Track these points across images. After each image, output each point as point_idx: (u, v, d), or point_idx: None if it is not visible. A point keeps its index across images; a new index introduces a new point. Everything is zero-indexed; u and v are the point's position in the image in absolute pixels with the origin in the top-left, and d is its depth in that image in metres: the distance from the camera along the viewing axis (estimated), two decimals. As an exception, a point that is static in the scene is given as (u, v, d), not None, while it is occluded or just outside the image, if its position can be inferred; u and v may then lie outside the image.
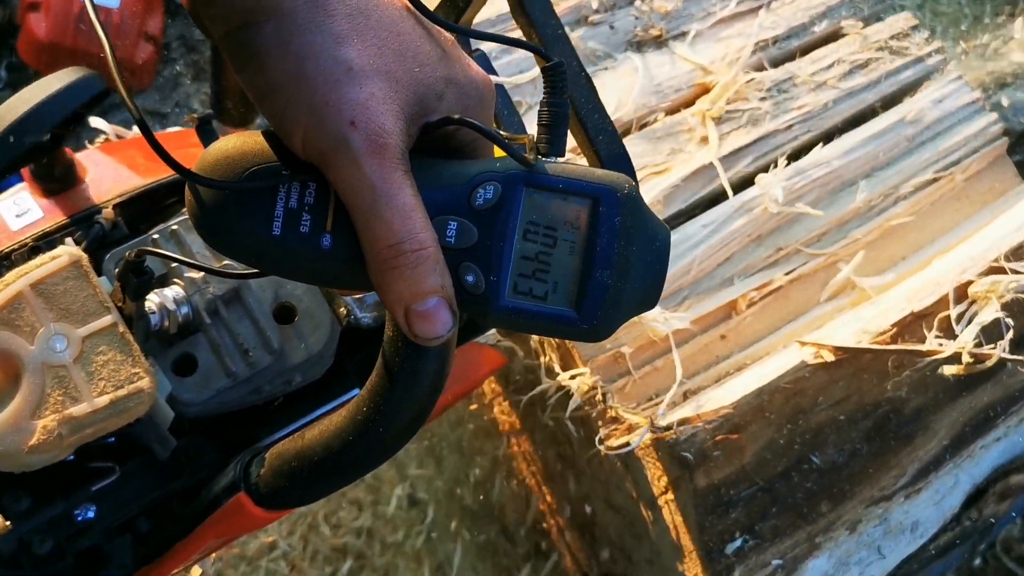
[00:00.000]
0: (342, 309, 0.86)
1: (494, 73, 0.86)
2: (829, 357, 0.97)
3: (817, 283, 1.09)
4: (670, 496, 0.96)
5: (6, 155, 0.77)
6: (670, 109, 1.16)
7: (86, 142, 1.04)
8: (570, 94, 0.61)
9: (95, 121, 1.05)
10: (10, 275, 0.73)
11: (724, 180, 1.09)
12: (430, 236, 0.55)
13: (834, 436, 0.98)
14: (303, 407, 0.88)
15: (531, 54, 0.86)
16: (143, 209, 0.87)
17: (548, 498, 1.27)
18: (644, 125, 1.14)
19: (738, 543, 0.95)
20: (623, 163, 0.76)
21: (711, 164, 1.11)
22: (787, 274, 1.08)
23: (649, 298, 0.59)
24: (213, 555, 1.46)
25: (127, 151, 0.93)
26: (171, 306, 0.81)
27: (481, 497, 1.51)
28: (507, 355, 1.19)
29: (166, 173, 0.90)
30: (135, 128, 1.15)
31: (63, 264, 0.73)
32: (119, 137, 1.10)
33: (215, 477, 0.82)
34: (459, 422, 1.50)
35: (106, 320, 0.73)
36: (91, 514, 0.82)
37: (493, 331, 1.16)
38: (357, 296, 0.86)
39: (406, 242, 0.54)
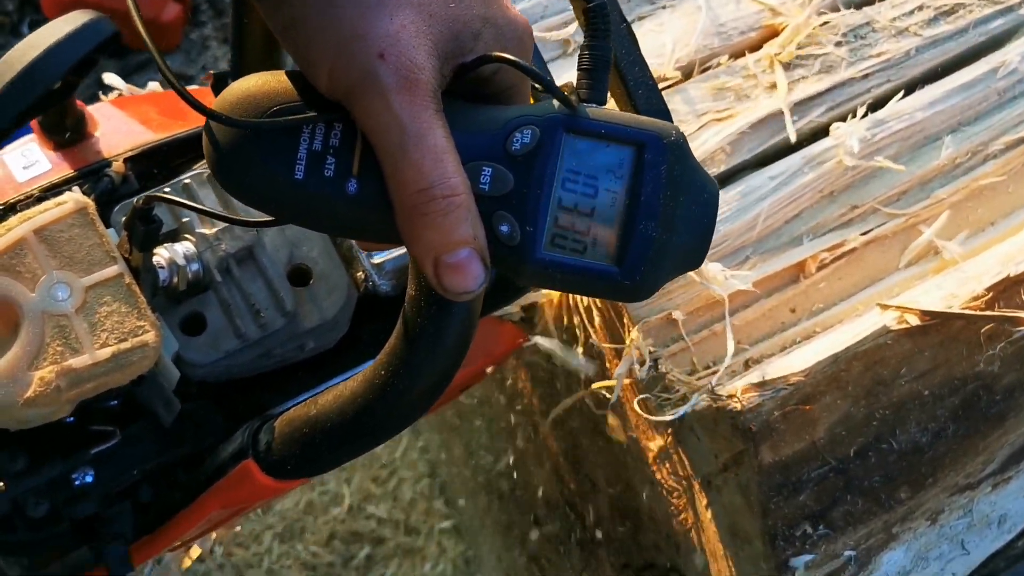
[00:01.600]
0: (360, 274, 0.82)
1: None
2: (915, 322, 0.86)
3: (896, 246, 0.98)
4: (730, 474, 0.85)
5: (20, 102, 0.72)
6: (735, 52, 1.05)
7: (100, 95, 0.98)
8: (612, 38, 0.57)
9: (109, 78, 1.00)
10: (13, 219, 0.70)
11: (789, 127, 0.98)
12: (462, 182, 0.51)
13: (917, 413, 0.87)
14: (316, 376, 0.83)
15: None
16: (155, 165, 0.83)
17: (586, 480, 1.17)
18: (706, 69, 1.03)
19: (807, 530, 0.84)
20: (664, 119, 0.69)
21: (779, 112, 1.00)
22: (863, 235, 0.97)
23: (695, 255, 0.55)
24: (215, 534, 1.36)
25: (140, 106, 0.90)
26: (181, 262, 0.77)
27: (511, 481, 1.40)
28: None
29: (180, 129, 0.86)
30: (150, 85, 1.11)
31: (69, 210, 0.70)
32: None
33: (222, 444, 0.78)
34: (487, 399, 1.40)
35: (112, 270, 0.70)
36: (90, 478, 0.78)
37: (518, 308, 1.08)
38: (376, 262, 0.82)
39: (437, 187, 0.50)
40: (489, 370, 1.08)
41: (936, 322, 0.86)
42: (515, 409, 1.30)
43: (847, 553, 0.85)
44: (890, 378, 0.86)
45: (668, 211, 0.52)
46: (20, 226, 0.69)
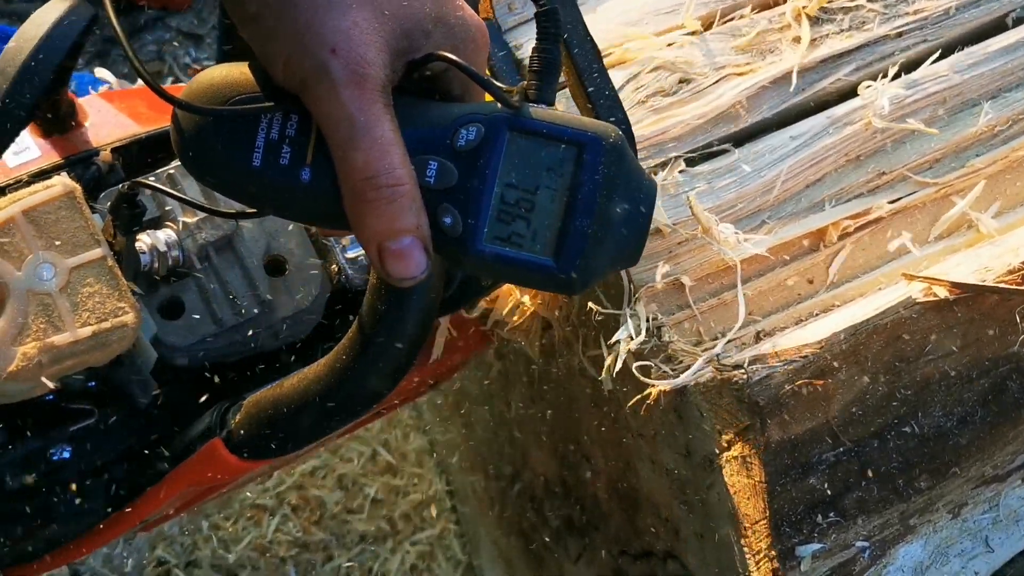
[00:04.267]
0: (334, 267, 0.86)
1: (503, 45, 0.88)
2: (943, 295, 0.78)
3: (926, 217, 0.90)
4: (734, 452, 0.78)
5: (28, 98, 0.75)
6: (759, 4, 0.98)
7: (90, 88, 1.01)
8: (564, 41, 0.62)
9: (100, 72, 1.05)
10: (2, 200, 0.73)
11: (795, 82, 0.90)
12: (407, 173, 0.54)
13: (942, 395, 0.80)
14: (288, 364, 0.86)
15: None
16: (141, 155, 0.86)
17: (584, 461, 1.10)
18: (728, 20, 0.96)
19: (816, 517, 0.77)
20: (623, 128, 0.75)
21: (804, 68, 0.92)
22: (890, 203, 0.89)
23: (630, 252, 0.58)
24: (186, 513, 1.31)
25: (130, 100, 0.93)
26: (162, 248, 0.81)
27: (509, 463, 1.34)
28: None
29: (166, 123, 0.85)
30: (140, 81, 1.14)
31: (57, 193, 0.73)
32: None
33: (192, 424, 0.82)
34: (486, 375, 1.33)
35: (95, 253, 0.72)
36: (67, 454, 0.82)
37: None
38: (350, 256, 0.85)
39: (382, 176, 0.53)
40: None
41: (967, 296, 0.79)
42: (519, 381, 1.23)
43: (859, 544, 0.78)
44: (913, 355, 0.79)
45: (604, 209, 0.55)
46: (9, 207, 0.72)
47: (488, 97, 0.59)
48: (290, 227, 0.85)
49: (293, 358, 0.86)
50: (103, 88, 1.01)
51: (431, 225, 0.55)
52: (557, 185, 0.55)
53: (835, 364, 0.77)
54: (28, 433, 0.80)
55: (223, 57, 0.84)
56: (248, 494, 1.64)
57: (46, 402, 0.79)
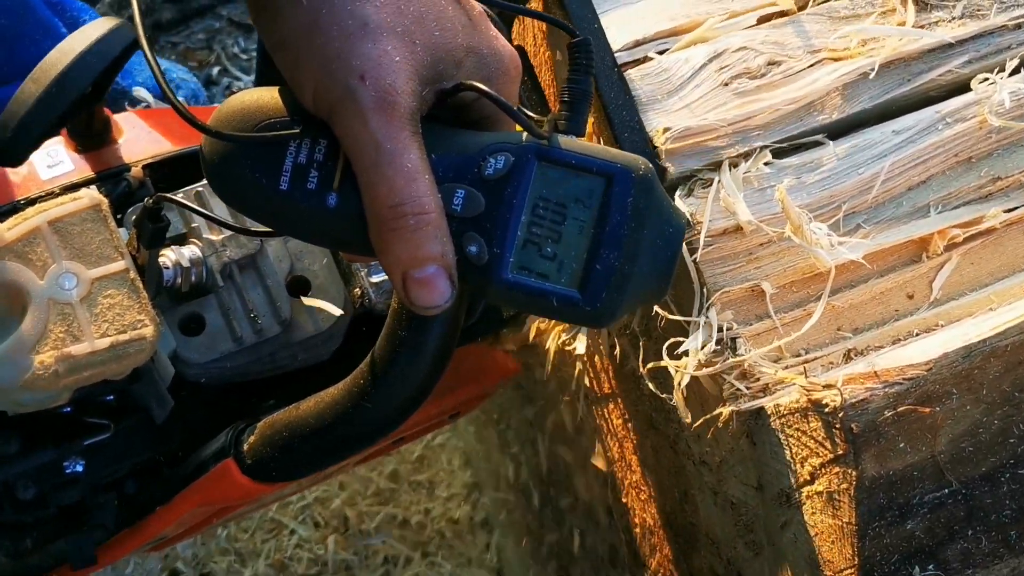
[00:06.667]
0: (357, 290, 0.85)
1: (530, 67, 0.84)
2: (1076, 316, 0.67)
3: (1046, 231, 0.79)
4: (818, 487, 0.67)
5: (57, 106, 0.76)
6: (861, -16, 0.87)
7: (126, 106, 1.03)
8: (595, 74, 0.60)
9: (138, 91, 1.06)
10: (30, 210, 0.74)
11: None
12: (434, 201, 0.53)
13: (1067, 434, 0.68)
14: (307, 387, 0.82)
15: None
16: (172, 174, 0.86)
17: (637, 492, 0.99)
18: (826, 1, 0.86)
19: (912, 568, 0.65)
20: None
21: (909, 57, 0.82)
22: (1005, 212, 0.78)
23: (658, 287, 0.57)
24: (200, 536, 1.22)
25: (164, 118, 0.94)
26: (186, 264, 0.80)
27: (547, 485, 1.23)
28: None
29: (199, 142, 0.84)
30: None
31: (83, 205, 0.73)
32: (159, 108, 1.09)
33: (206, 443, 0.81)
34: (530, 399, 1.23)
35: (118, 265, 0.73)
36: (80, 468, 0.81)
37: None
38: (374, 280, 0.84)
39: (408, 204, 0.53)
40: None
41: (1102, 319, 0.67)
42: (560, 407, 1.13)
43: (962, 604, 0.66)
44: (1037, 385, 0.67)
45: (632, 242, 0.54)
46: (36, 216, 0.72)
47: (518, 127, 0.58)
48: (315, 249, 0.85)
49: (312, 381, 0.83)
50: (140, 107, 1.03)
51: (456, 253, 0.55)
52: (585, 217, 0.55)
53: (945, 389, 0.65)
54: (43, 445, 0.79)
55: (262, 78, 0.83)
56: (269, 508, 1.54)
57: (63, 414, 0.78)
